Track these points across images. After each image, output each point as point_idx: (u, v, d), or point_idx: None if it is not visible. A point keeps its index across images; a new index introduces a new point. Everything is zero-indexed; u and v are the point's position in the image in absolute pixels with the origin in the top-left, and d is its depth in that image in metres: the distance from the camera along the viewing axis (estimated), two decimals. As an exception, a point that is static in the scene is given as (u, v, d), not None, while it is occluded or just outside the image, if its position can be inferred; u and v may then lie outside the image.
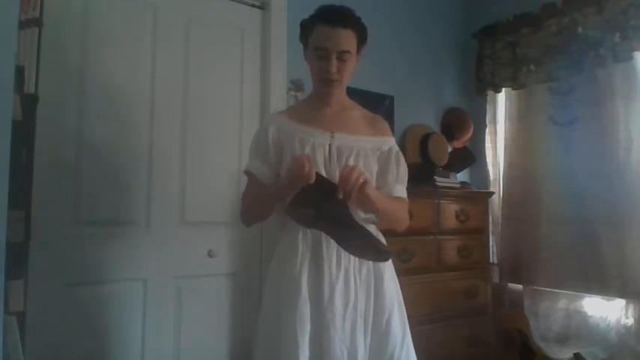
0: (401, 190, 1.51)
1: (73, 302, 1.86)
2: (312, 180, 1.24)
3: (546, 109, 2.79)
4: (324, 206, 1.27)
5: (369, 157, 1.46)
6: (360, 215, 1.43)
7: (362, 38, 1.45)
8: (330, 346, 1.32)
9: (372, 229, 1.48)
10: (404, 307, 1.49)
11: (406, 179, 1.54)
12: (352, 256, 1.40)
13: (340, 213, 1.29)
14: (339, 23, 1.38)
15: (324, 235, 1.39)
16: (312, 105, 1.54)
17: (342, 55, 1.39)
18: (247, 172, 1.49)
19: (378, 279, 1.43)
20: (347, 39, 1.39)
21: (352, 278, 1.39)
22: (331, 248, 1.39)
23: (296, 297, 1.35)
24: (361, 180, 1.25)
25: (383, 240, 1.49)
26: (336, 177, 1.35)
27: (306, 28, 1.45)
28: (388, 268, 1.48)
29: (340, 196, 1.25)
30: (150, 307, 2.05)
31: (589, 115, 2.61)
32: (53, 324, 1.79)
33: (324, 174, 1.38)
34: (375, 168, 1.48)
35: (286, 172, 1.34)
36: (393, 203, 1.47)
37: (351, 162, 1.42)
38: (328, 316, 1.34)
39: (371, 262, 1.43)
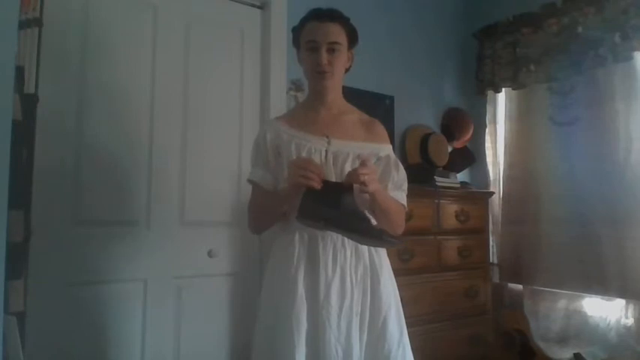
0: (401, 197, 1.51)
1: (73, 302, 1.86)
2: (318, 184, 1.28)
3: (546, 109, 2.80)
4: (332, 213, 1.28)
5: None
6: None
7: (351, 36, 1.50)
8: (326, 345, 1.33)
9: None
10: (401, 308, 1.49)
11: (405, 186, 1.54)
12: (348, 256, 1.41)
13: (348, 213, 1.30)
14: (327, 18, 1.45)
15: (320, 236, 1.40)
16: (309, 108, 1.55)
17: (332, 46, 1.43)
18: (250, 181, 1.52)
19: (375, 279, 1.44)
20: (335, 31, 1.44)
21: (348, 278, 1.39)
22: (327, 248, 1.39)
23: (293, 296, 1.36)
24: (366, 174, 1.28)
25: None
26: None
27: (298, 30, 1.51)
28: (385, 268, 1.49)
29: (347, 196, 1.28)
30: (150, 308, 2.05)
31: (589, 115, 2.61)
32: (53, 324, 1.79)
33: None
34: None
35: (288, 177, 1.36)
36: (394, 205, 1.47)
37: (348, 167, 1.42)
38: (324, 315, 1.35)
39: (368, 263, 1.44)
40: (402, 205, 1.52)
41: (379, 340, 1.40)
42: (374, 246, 1.40)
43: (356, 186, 1.30)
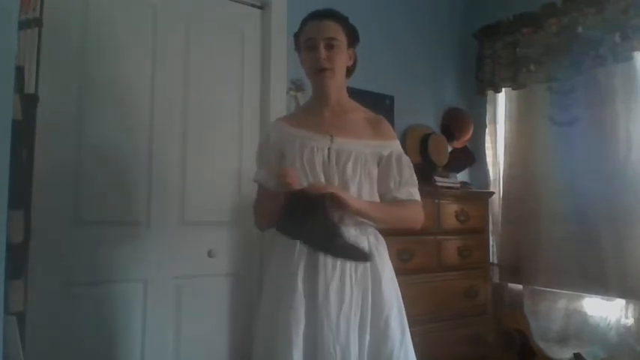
0: (406, 193, 1.51)
1: (74, 302, 1.86)
2: (292, 187, 1.31)
3: (546, 109, 2.79)
4: (307, 225, 1.30)
5: (369, 161, 1.48)
6: (358, 218, 1.44)
7: (351, 34, 1.51)
8: (324, 344, 1.33)
9: (371, 230, 1.50)
10: (403, 308, 1.49)
11: (413, 180, 1.54)
12: None
13: (322, 228, 1.31)
14: (324, 17, 1.47)
15: None
16: (312, 107, 1.57)
17: (329, 42, 1.44)
18: (255, 182, 1.55)
19: (376, 279, 1.44)
20: (332, 28, 1.46)
21: (348, 278, 1.40)
22: None
23: (292, 295, 1.37)
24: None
25: (368, 244, 1.48)
26: (335, 180, 1.42)
27: (298, 33, 1.53)
28: (387, 267, 1.49)
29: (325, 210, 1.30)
30: (150, 307, 2.05)
31: (589, 115, 2.61)
32: (53, 324, 1.79)
33: (322, 179, 1.42)
34: (374, 172, 1.49)
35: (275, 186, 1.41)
36: (391, 208, 1.49)
37: (350, 166, 1.44)
38: (322, 314, 1.35)
39: (368, 263, 1.44)
40: (411, 200, 1.51)
41: (381, 340, 1.40)
42: (346, 260, 1.39)
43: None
